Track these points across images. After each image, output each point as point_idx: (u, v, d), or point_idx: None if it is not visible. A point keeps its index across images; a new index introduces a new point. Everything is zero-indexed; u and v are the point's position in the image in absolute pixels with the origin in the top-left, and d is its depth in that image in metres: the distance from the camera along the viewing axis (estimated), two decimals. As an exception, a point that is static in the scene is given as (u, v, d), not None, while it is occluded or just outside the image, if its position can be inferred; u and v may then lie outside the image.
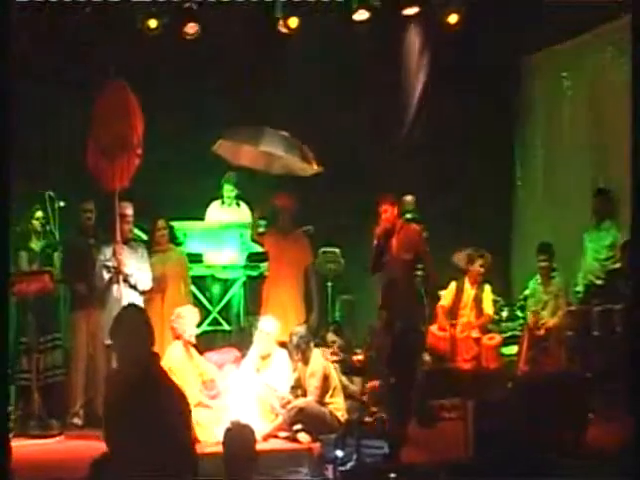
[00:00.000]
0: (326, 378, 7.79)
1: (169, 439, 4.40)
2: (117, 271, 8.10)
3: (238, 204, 9.92)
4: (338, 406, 7.80)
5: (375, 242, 7.68)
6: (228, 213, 9.92)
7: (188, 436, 4.58)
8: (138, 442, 4.37)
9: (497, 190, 10.60)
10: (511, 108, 10.84)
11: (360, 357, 8.64)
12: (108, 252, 8.18)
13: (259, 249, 9.23)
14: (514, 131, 10.85)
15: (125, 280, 8.12)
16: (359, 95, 10.31)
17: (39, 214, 8.67)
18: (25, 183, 8.91)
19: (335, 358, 8.43)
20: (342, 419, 7.71)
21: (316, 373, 7.77)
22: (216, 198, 9.92)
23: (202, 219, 9.84)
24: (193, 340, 8.09)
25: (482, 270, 9.16)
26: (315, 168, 8.72)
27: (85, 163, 8.09)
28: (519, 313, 9.52)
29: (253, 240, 9.16)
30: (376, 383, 8.15)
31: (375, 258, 7.69)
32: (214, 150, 8.86)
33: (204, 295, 9.68)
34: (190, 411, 4.69)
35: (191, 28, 9.52)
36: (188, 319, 8.05)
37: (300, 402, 7.78)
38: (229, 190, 9.82)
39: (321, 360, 7.87)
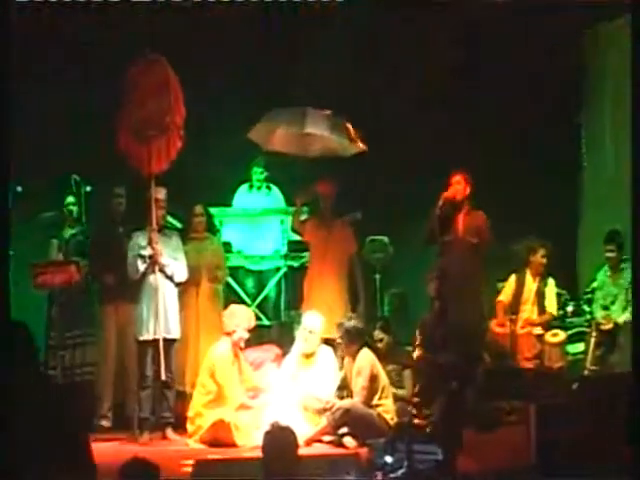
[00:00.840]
0: (374, 378, 7.71)
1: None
2: (153, 261, 8.08)
3: (269, 187, 9.87)
4: (387, 408, 7.72)
5: (439, 205, 7.62)
6: (258, 198, 9.88)
7: None
8: None
9: (561, 172, 10.42)
10: (577, 85, 10.66)
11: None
12: (142, 240, 8.14)
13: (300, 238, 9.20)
14: (580, 109, 10.67)
15: (161, 271, 8.10)
16: (412, 72, 10.20)
17: (70, 199, 8.69)
18: (51, 167, 9.05)
19: None
20: (391, 422, 7.64)
21: (363, 371, 7.69)
22: (244, 182, 9.90)
23: (230, 205, 9.82)
24: (242, 344, 8.09)
25: (544, 261, 9.02)
26: (360, 146, 8.67)
27: (114, 145, 8.11)
28: (586, 307, 9.34)
29: (293, 230, 9.13)
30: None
31: (433, 226, 7.64)
32: (248, 135, 8.84)
33: (242, 288, 9.67)
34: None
35: None
36: (240, 319, 8.04)
37: (346, 403, 7.71)
38: (258, 172, 9.77)
39: (369, 358, 7.78)
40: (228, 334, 8.05)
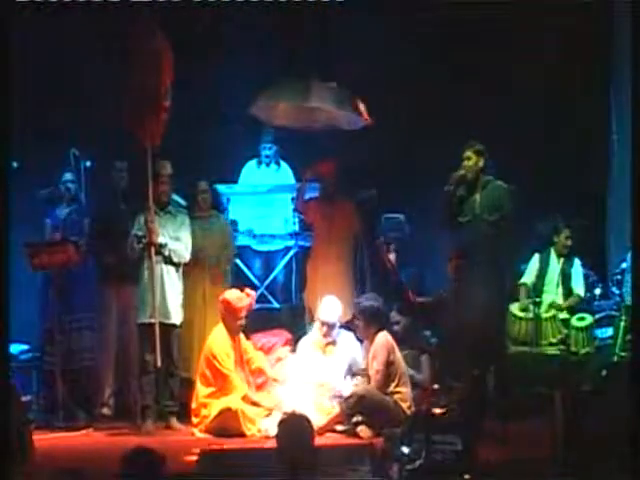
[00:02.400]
0: (390, 364, 7.70)
1: None
2: (148, 241, 8.06)
3: (278, 163, 9.88)
4: (404, 396, 7.70)
5: (449, 187, 7.55)
6: (267, 174, 9.88)
7: None
8: None
9: (589, 147, 10.39)
10: (606, 50, 10.58)
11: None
12: (142, 219, 8.17)
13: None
14: (610, 78, 10.61)
15: (158, 252, 8.09)
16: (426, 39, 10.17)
17: (68, 176, 8.68)
18: (47, 141, 9.06)
19: None
20: (408, 410, 7.63)
21: (378, 355, 7.69)
22: (251, 158, 9.89)
23: (237, 182, 9.84)
24: (239, 329, 8.12)
25: (569, 242, 9.02)
26: (366, 119, 8.71)
27: (115, 117, 8.13)
28: (615, 290, 9.35)
29: (296, 210, 9.17)
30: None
31: (447, 210, 7.57)
32: (251, 111, 8.87)
33: (250, 269, 9.68)
34: None
35: None
36: (235, 305, 8.04)
37: (360, 389, 7.73)
38: (266, 148, 9.78)
39: (386, 341, 7.77)
40: (224, 320, 8.08)
